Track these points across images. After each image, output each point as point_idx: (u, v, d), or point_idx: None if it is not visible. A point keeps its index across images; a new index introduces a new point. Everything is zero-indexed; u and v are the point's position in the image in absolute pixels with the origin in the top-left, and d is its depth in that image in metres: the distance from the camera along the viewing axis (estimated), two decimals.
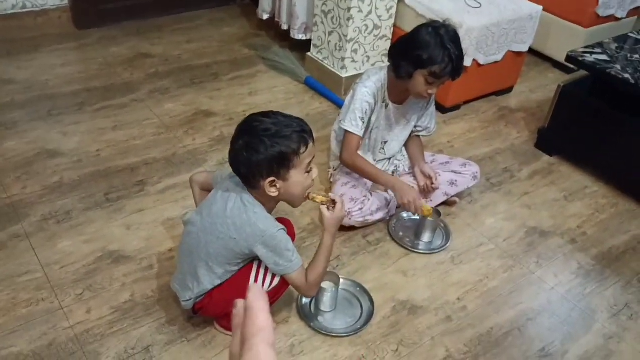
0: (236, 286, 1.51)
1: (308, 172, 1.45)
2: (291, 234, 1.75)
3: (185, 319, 1.68)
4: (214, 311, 1.57)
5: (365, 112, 1.95)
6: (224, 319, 1.62)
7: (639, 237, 2.22)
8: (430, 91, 1.89)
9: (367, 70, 2.05)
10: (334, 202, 1.55)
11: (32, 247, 1.87)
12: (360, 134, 1.97)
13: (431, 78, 1.85)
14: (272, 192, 1.41)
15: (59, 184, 2.15)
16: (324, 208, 1.53)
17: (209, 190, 1.58)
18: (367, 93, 1.94)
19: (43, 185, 2.13)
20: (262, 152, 1.36)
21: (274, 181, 1.40)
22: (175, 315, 1.68)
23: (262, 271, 1.50)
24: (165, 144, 2.44)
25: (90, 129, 2.48)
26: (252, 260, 1.51)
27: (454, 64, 1.82)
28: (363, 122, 1.96)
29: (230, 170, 1.55)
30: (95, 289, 1.75)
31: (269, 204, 1.49)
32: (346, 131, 1.97)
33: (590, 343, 1.78)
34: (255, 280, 1.50)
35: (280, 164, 1.39)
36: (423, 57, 1.82)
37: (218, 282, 1.51)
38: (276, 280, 1.50)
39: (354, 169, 2.04)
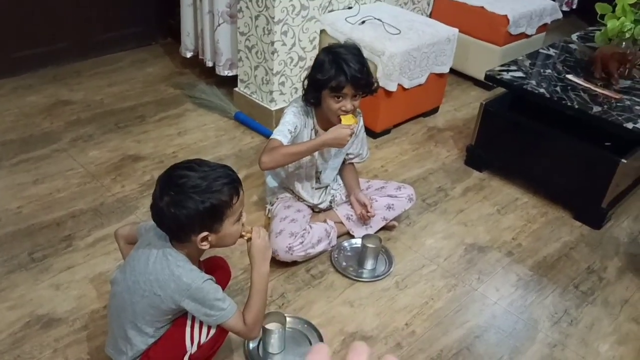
0: (172, 341, 1.44)
1: (238, 219, 1.42)
2: (226, 274, 1.71)
3: None
4: None
5: (295, 128, 1.93)
6: None
7: (570, 244, 2.31)
8: (344, 108, 1.86)
9: (297, 97, 2.05)
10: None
11: None
12: (285, 142, 1.89)
13: (334, 93, 1.85)
14: (204, 245, 1.38)
15: None
16: (248, 244, 1.47)
17: (135, 243, 1.51)
18: (295, 111, 1.95)
19: None
20: (192, 208, 1.30)
21: (206, 235, 1.36)
22: None
23: (197, 323, 1.44)
24: (92, 193, 2.34)
25: (9, 185, 2.34)
26: (184, 313, 1.44)
27: (348, 74, 1.81)
28: (290, 135, 1.91)
29: (153, 223, 1.50)
30: (24, 359, 1.62)
31: (196, 254, 1.44)
32: (270, 139, 1.91)
33: (536, 354, 1.82)
34: (192, 332, 1.43)
35: (213, 218, 1.35)
36: (319, 77, 1.85)
37: (151, 340, 1.44)
38: (213, 330, 1.44)
39: (277, 162, 1.89)
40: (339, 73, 1.82)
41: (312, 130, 2.01)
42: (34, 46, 3.19)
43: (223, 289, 1.67)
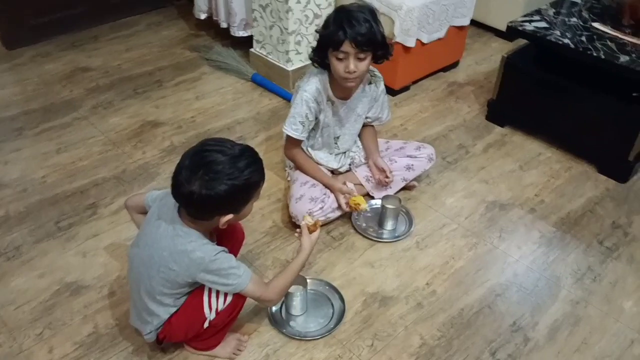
0: (191, 310, 1.47)
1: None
2: (239, 238, 1.74)
3: (155, 344, 1.63)
4: (177, 337, 1.54)
5: (306, 116, 1.94)
6: (192, 340, 1.58)
7: (595, 199, 2.27)
8: (347, 69, 1.81)
9: (309, 69, 2.01)
10: (314, 225, 1.65)
11: None
12: (301, 137, 1.99)
13: (336, 52, 1.80)
14: (224, 225, 1.40)
15: (4, 218, 2.05)
16: (305, 229, 1.62)
17: (145, 213, 1.54)
18: (307, 98, 1.92)
19: None
20: (224, 193, 1.31)
21: (230, 217, 1.39)
22: (142, 342, 1.62)
23: (214, 291, 1.46)
24: (114, 161, 2.36)
25: (33, 155, 2.38)
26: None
27: (347, 30, 1.75)
28: (303, 126, 1.96)
29: (159, 192, 1.52)
30: (55, 325, 1.69)
31: (211, 228, 1.46)
32: (285, 132, 2.00)
33: (558, 311, 1.82)
34: (209, 300, 1.46)
35: (241, 201, 1.39)
36: (321, 32, 1.84)
37: (173, 310, 1.48)
38: (230, 297, 1.47)
39: (294, 163, 2.11)
40: (338, 28, 1.77)
41: (328, 101, 1.99)
42: (50, 13, 3.19)
43: (237, 252, 1.72)
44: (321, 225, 2.01)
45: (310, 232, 1.62)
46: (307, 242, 1.60)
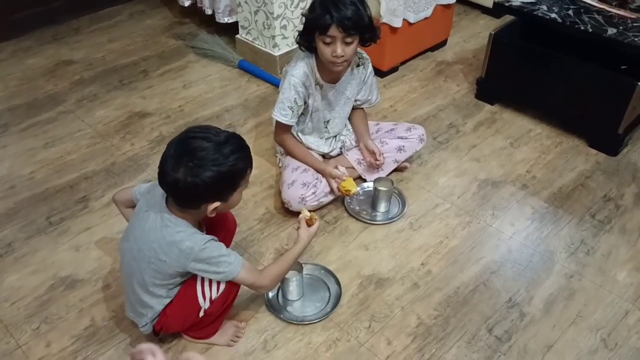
0: (185, 300, 1.47)
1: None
2: (231, 228, 1.73)
3: (152, 335, 1.63)
4: (174, 327, 1.54)
5: (295, 101, 1.93)
6: (190, 329, 1.58)
7: (586, 172, 2.28)
8: (334, 53, 1.80)
9: (295, 53, 1.98)
10: (311, 219, 1.63)
11: None
12: (291, 122, 1.97)
13: (323, 37, 1.79)
14: (212, 214, 1.39)
15: None
16: (303, 221, 1.61)
17: (133, 207, 1.53)
18: (295, 82, 1.90)
19: None
20: (210, 180, 1.30)
21: (217, 205, 1.37)
22: (140, 333, 1.62)
23: (207, 280, 1.45)
24: (103, 153, 2.34)
25: (20, 151, 2.35)
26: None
27: (333, 13, 1.73)
28: (292, 111, 1.94)
29: (147, 185, 1.52)
30: (51, 320, 1.68)
31: (199, 218, 1.45)
32: (274, 118, 1.98)
33: (553, 285, 1.83)
34: (202, 289, 1.45)
35: (229, 189, 1.38)
36: (308, 16, 1.81)
37: (167, 301, 1.48)
38: (223, 285, 1.46)
39: (284, 149, 2.09)
40: (324, 12, 1.75)
41: (316, 85, 1.97)
42: (30, 6, 3.13)
43: (229, 242, 1.71)
44: (313, 211, 2.02)
45: (308, 225, 1.62)
46: (304, 233, 1.60)
